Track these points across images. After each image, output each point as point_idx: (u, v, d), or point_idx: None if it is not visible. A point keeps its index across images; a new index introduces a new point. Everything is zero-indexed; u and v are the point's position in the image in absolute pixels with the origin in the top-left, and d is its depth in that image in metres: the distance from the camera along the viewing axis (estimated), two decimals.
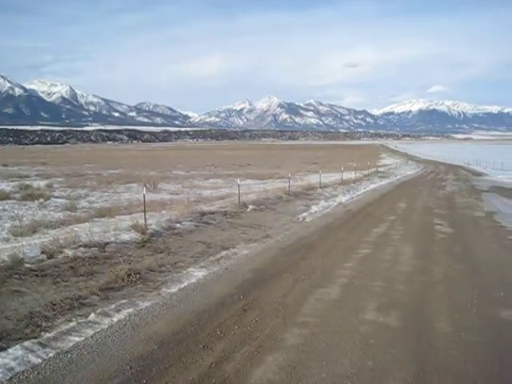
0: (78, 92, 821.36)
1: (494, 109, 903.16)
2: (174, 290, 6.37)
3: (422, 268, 7.64)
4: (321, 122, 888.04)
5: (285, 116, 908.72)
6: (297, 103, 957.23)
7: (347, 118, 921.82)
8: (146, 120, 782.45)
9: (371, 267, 7.68)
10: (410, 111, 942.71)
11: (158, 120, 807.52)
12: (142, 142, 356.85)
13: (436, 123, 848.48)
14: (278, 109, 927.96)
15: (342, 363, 4.21)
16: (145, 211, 10.66)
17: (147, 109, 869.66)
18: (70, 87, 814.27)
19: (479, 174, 36.96)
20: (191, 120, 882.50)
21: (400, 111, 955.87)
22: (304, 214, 13.73)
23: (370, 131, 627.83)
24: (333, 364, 4.20)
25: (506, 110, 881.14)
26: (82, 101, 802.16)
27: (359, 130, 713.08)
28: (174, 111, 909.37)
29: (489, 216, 13.68)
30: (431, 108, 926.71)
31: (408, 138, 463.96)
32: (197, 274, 7.18)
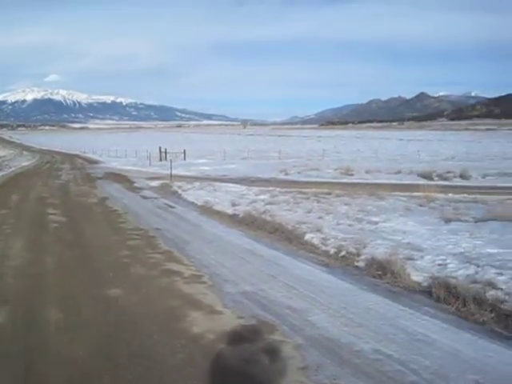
0: None
1: (108, 98, 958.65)
2: None
3: (34, 260, 7.27)
4: None
5: None
6: None
7: None
8: None
9: None
10: (25, 100, 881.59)
11: None
12: None
13: (52, 113, 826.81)
14: None
15: None
16: None
17: None
18: None
19: (95, 162, 39.00)
20: None
21: (14, 100, 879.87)
22: None
23: None
24: None
25: (118, 100, 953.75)
26: None
27: None
28: None
29: (101, 202, 14.37)
30: (47, 97, 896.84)
31: (23, 128, 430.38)
32: None
